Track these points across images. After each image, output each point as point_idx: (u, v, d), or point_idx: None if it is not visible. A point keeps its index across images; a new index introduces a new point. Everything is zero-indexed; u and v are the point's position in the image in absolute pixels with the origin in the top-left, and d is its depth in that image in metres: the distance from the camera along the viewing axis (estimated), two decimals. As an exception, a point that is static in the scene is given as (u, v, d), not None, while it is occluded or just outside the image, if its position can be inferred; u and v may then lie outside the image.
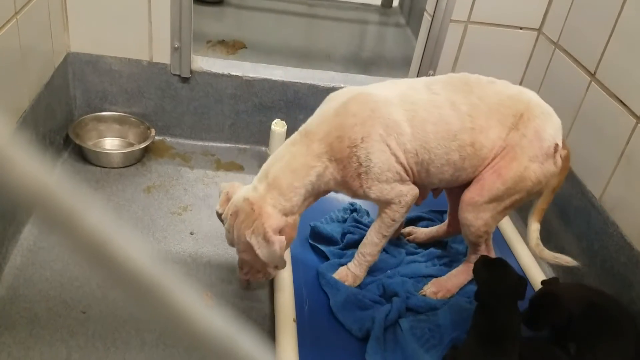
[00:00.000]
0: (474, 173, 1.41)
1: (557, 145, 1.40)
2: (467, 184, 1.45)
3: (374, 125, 1.31)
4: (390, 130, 1.32)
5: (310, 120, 1.39)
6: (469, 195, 1.42)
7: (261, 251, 1.30)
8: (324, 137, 1.32)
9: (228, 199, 1.40)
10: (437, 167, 1.38)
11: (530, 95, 1.44)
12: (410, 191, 1.40)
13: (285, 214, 1.34)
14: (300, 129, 1.39)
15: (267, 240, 1.30)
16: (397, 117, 1.33)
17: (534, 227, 1.52)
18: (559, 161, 1.41)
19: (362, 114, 1.32)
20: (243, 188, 1.39)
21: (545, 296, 1.38)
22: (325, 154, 1.33)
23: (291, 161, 1.33)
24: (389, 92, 1.37)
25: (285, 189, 1.32)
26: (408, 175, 1.38)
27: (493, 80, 1.44)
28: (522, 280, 1.33)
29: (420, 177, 1.40)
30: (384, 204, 1.42)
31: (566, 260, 1.46)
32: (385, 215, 1.44)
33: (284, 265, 1.39)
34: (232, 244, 1.41)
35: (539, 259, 1.78)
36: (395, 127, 1.32)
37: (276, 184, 1.32)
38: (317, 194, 1.39)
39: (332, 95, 1.42)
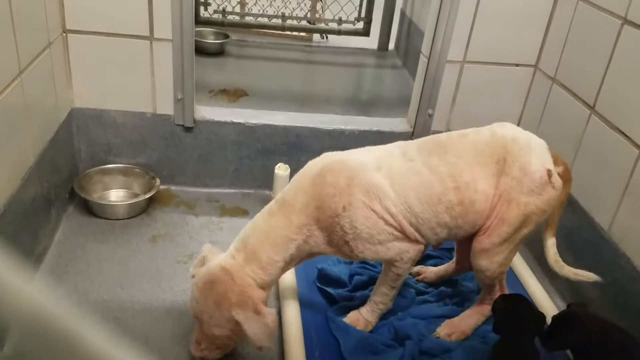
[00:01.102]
0: (474, 228, 1.38)
1: (549, 170, 1.36)
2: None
3: (353, 193, 1.28)
4: (372, 196, 1.29)
5: (287, 189, 1.35)
6: (479, 243, 1.40)
7: (250, 326, 1.23)
8: (303, 209, 1.29)
9: (202, 264, 1.33)
10: (430, 229, 1.35)
11: (504, 133, 1.39)
12: (410, 247, 1.36)
13: (263, 288, 1.30)
14: (277, 197, 1.35)
15: (258, 313, 1.24)
16: (377, 181, 1.30)
17: (550, 243, 1.48)
18: (558, 182, 1.37)
19: (340, 183, 1.29)
20: (220, 255, 1.34)
21: (568, 316, 1.36)
22: (306, 225, 1.29)
23: (270, 234, 1.29)
24: (366, 157, 1.35)
25: (265, 263, 1.28)
26: (406, 233, 1.34)
27: (464, 134, 1.40)
28: (540, 314, 1.32)
29: (415, 235, 1.36)
30: (386, 262, 1.39)
31: (588, 275, 1.42)
32: (389, 270, 1.41)
33: (270, 346, 1.29)
34: (197, 315, 1.31)
35: (553, 289, 1.76)
36: (377, 191, 1.29)
37: (256, 256, 1.28)
38: (299, 260, 1.37)
39: (311, 162, 1.38)
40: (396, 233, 1.33)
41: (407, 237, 1.35)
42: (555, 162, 1.39)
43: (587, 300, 1.55)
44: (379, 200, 1.29)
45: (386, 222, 1.31)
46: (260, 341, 1.25)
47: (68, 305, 0.33)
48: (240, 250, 1.30)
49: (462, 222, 1.36)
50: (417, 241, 1.37)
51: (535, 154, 1.36)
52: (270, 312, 1.25)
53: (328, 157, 1.36)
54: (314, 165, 1.35)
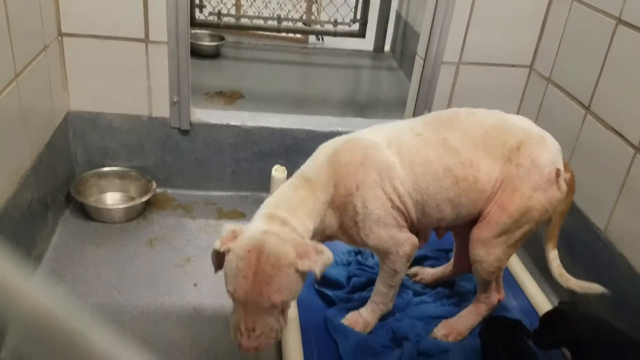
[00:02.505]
0: (475, 208, 1.39)
1: (558, 170, 1.37)
2: (470, 223, 1.44)
3: (367, 172, 1.30)
4: (383, 175, 1.31)
5: (305, 167, 1.36)
6: (478, 232, 1.41)
7: (319, 267, 1.16)
8: (324, 186, 1.31)
9: (235, 237, 1.20)
10: (433, 207, 1.36)
11: (515, 121, 1.41)
12: (407, 240, 1.37)
13: None
14: (297, 174, 1.35)
15: (320, 252, 1.18)
16: (387, 160, 1.32)
17: (553, 256, 1.49)
18: (563, 185, 1.39)
19: (353, 162, 1.31)
20: (252, 225, 1.24)
21: (556, 314, 1.36)
22: (326, 202, 1.31)
23: (300, 204, 1.27)
24: (376, 136, 1.37)
25: (298, 227, 1.23)
26: (405, 220, 1.37)
27: (472, 112, 1.42)
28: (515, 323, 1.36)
29: (417, 218, 1.38)
30: (382, 254, 1.40)
31: (594, 288, 1.42)
32: (385, 266, 1.42)
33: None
34: (246, 294, 1.14)
35: (549, 289, 1.76)
36: (389, 170, 1.32)
37: (288, 222, 1.22)
38: (319, 239, 1.38)
39: (325, 143, 1.40)
40: (399, 219, 1.34)
41: (407, 228, 1.37)
42: (564, 167, 1.40)
43: (584, 301, 1.56)
44: (390, 180, 1.31)
45: (393, 204, 1.32)
46: (322, 274, 1.19)
47: (68, 304, 0.33)
48: (273, 218, 1.23)
49: (465, 200, 1.36)
50: (415, 234, 1.39)
51: (548, 150, 1.38)
52: (326, 248, 1.19)
53: (341, 138, 1.38)
54: (328, 147, 1.37)
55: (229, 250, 1.18)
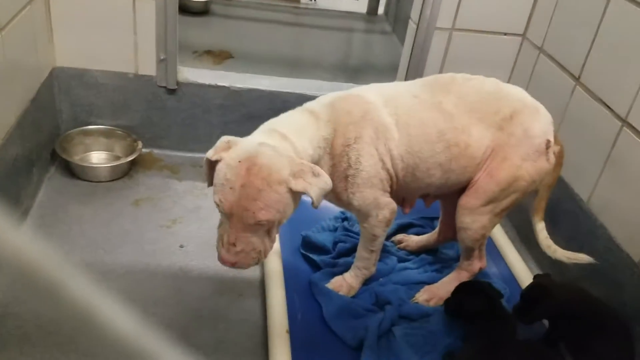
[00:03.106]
0: (464, 175, 1.40)
1: (548, 141, 1.38)
2: (458, 192, 1.45)
3: (365, 127, 1.30)
4: (379, 134, 1.31)
5: (308, 104, 1.31)
6: (465, 199, 1.42)
7: (314, 191, 1.11)
8: (327, 122, 1.27)
9: (229, 147, 1.14)
10: (424, 171, 1.37)
11: (510, 91, 1.41)
12: (387, 205, 1.38)
13: None
14: (300, 108, 1.30)
15: (317, 174, 1.13)
16: (385, 120, 1.33)
17: (540, 227, 1.51)
18: (552, 157, 1.40)
19: (355, 114, 1.30)
20: (250, 137, 1.20)
21: (536, 288, 1.40)
22: (326, 140, 1.26)
23: (302, 126, 1.22)
24: (374, 95, 1.37)
25: (298, 147, 1.18)
26: (390, 185, 1.37)
27: (469, 78, 1.42)
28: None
29: (406, 182, 1.39)
30: (362, 216, 1.40)
31: (581, 258, 1.44)
32: (365, 231, 1.43)
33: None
34: (232, 207, 1.09)
35: (531, 258, 1.80)
36: (385, 131, 1.32)
37: (288, 140, 1.17)
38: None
39: (321, 97, 1.37)
40: (385, 183, 1.35)
41: (389, 194, 1.37)
42: (555, 140, 1.41)
43: (564, 269, 1.59)
44: (385, 141, 1.31)
45: (383, 166, 1.32)
46: (320, 202, 1.15)
47: (55, 254, 0.33)
48: (272, 133, 1.16)
49: (455, 166, 1.37)
50: (401, 200, 1.41)
51: (540, 121, 1.38)
52: (325, 174, 1.15)
53: (341, 92, 1.37)
54: (329, 95, 1.35)
55: (220, 160, 1.12)
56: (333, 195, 1.37)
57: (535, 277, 1.49)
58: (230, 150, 1.11)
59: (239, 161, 1.08)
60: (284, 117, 1.27)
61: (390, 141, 1.32)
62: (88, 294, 0.34)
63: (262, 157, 1.08)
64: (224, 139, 1.16)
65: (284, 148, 1.12)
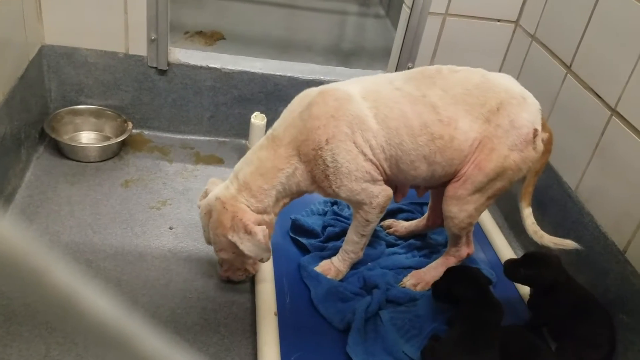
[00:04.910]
0: (451, 167, 1.39)
1: (536, 130, 1.37)
2: (448, 182, 1.45)
3: (337, 125, 1.30)
4: (355, 127, 1.31)
5: (277, 124, 1.39)
6: (453, 189, 1.42)
7: (245, 245, 1.32)
8: (291, 141, 1.33)
9: (205, 196, 1.43)
10: (408, 163, 1.37)
11: (497, 81, 1.40)
12: (382, 192, 1.39)
13: (259, 213, 1.36)
14: (268, 133, 1.40)
15: (249, 232, 1.31)
16: (360, 113, 1.32)
17: (527, 213, 1.52)
18: (540, 145, 1.40)
19: (325, 115, 1.31)
20: (218, 187, 1.41)
21: (539, 255, 1.47)
22: (294, 157, 1.34)
23: (260, 165, 1.35)
24: (353, 88, 1.36)
25: (256, 191, 1.35)
26: (380, 173, 1.37)
27: (455, 69, 1.41)
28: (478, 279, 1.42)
29: (392, 173, 1.39)
30: (355, 204, 1.41)
31: (568, 244, 1.46)
32: (358, 216, 1.44)
33: (269, 256, 1.38)
34: (209, 242, 1.45)
35: (518, 245, 1.82)
36: (360, 123, 1.31)
37: (247, 186, 1.35)
38: (290, 194, 1.39)
39: (300, 95, 1.41)
40: (373, 172, 1.35)
41: (380, 181, 1.38)
42: (543, 127, 1.41)
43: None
44: (361, 133, 1.32)
45: (365, 158, 1.33)
46: (258, 255, 1.36)
47: (38, 242, 0.33)
48: (234, 181, 1.37)
49: (440, 158, 1.37)
50: (394, 189, 1.43)
51: (527, 110, 1.38)
52: (261, 229, 1.32)
53: (316, 89, 1.38)
54: (302, 98, 1.38)
55: (199, 207, 1.44)
56: (322, 191, 1.39)
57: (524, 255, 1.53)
58: (203, 200, 1.42)
59: (205, 213, 1.40)
60: (248, 154, 1.41)
61: (366, 132, 1.32)
62: (72, 278, 0.34)
63: (214, 212, 1.36)
64: (209, 184, 1.47)
65: (235, 200, 1.35)
